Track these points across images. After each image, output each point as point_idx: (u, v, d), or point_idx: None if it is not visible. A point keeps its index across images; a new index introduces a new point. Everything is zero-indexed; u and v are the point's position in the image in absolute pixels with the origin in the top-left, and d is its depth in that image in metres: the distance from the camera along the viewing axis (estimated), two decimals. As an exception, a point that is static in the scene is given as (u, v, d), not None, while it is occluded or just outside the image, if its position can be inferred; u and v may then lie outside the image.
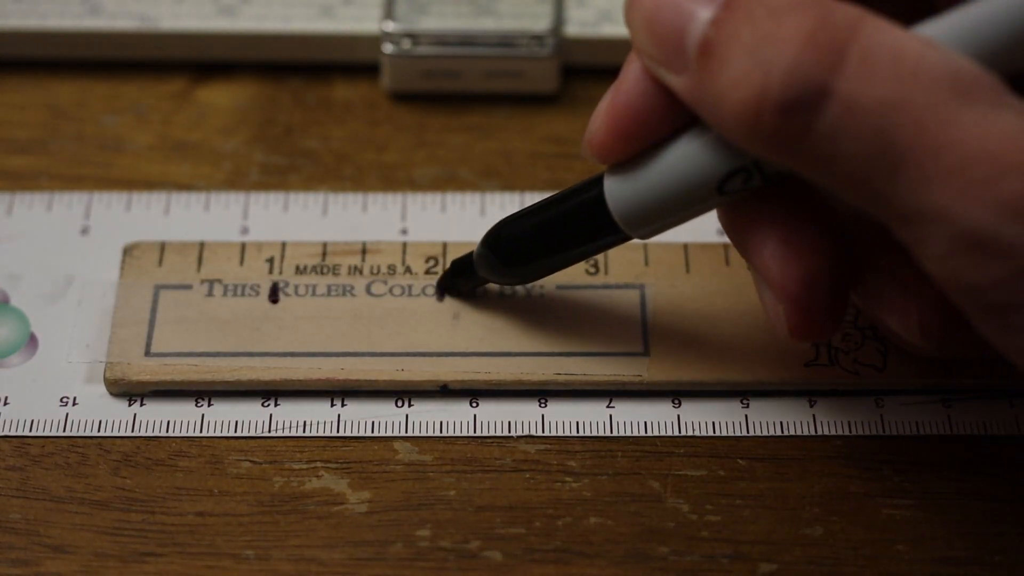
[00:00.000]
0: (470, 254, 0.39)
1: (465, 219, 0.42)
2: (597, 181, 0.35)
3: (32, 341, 0.39)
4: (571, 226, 0.36)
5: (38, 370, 0.39)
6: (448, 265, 0.40)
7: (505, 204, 0.42)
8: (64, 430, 0.38)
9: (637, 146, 0.34)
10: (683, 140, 0.33)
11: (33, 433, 0.38)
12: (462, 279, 0.39)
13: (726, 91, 0.30)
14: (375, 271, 0.40)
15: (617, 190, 0.34)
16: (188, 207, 0.42)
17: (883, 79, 0.28)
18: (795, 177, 0.32)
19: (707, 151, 0.32)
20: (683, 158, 0.33)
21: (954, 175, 0.28)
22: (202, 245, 0.41)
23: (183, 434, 0.38)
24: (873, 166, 0.29)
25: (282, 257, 0.41)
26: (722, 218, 0.35)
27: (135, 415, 0.38)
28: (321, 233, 0.42)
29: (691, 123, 0.33)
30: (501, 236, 0.37)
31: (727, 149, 0.32)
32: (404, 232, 0.42)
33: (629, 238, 0.35)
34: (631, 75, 0.33)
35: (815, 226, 0.33)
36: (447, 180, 0.44)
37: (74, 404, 0.38)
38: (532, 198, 0.43)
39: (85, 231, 0.42)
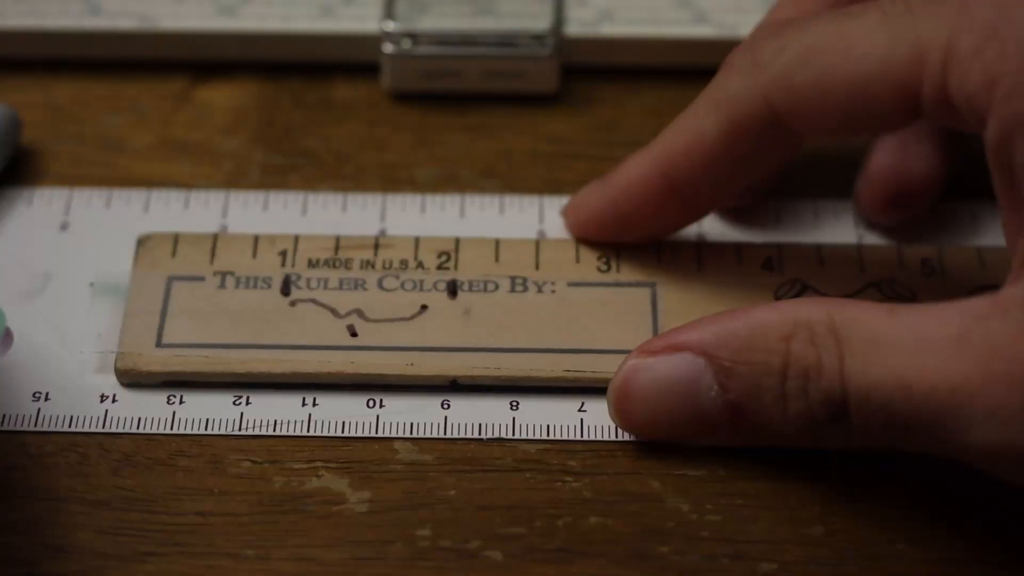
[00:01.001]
0: None
1: (465, 219, 0.42)
2: None
3: (7, 337, 0.39)
4: None
5: (12, 366, 0.39)
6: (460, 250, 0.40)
7: (505, 204, 0.42)
8: (67, 427, 0.38)
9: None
10: None
11: (29, 429, 0.38)
12: None
13: None
14: (387, 265, 0.40)
15: None
16: (188, 207, 0.42)
17: None
18: None
19: None
20: None
21: None
22: (216, 237, 0.41)
23: (183, 433, 0.38)
24: None
25: (295, 250, 0.41)
26: None
27: (136, 415, 0.38)
28: (324, 233, 0.42)
29: None
30: None
31: None
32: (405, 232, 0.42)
33: None
34: None
35: None
36: (447, 180, 0.44)
37: (47, 399, 0.38)
38: (532, 198, 0.43)
39: (64, 227, 0.42)
